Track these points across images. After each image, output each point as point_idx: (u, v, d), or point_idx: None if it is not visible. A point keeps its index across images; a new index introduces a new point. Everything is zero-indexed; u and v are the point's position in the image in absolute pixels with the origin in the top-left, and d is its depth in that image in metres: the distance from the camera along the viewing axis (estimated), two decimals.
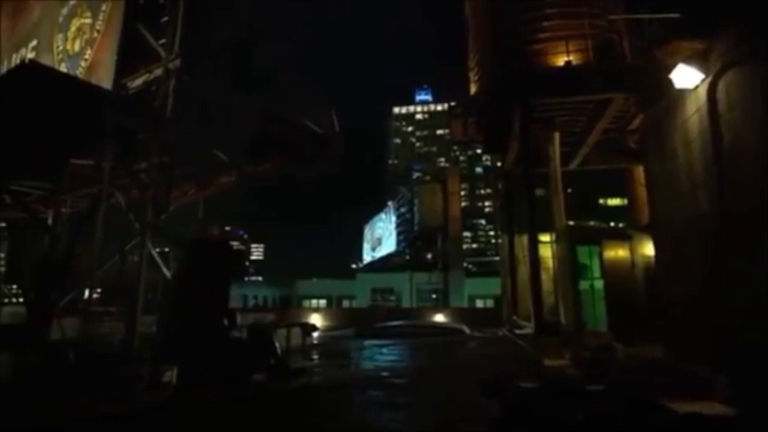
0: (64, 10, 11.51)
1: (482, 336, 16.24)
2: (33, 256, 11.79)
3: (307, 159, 10.61)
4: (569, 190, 19.18)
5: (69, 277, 9.13)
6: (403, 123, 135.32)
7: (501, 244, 19.48)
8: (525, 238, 13.48)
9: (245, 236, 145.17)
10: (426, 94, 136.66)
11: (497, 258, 27.50)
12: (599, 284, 11.82)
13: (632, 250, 11.33)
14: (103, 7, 10.41)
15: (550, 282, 13.04)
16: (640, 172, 13.68)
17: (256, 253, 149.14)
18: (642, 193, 12.74)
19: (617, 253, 11.36)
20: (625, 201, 19.39)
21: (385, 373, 9.18)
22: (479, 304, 36.74)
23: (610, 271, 11.33)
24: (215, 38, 10.27)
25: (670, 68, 6.06)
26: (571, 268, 11.73)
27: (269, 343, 8.94)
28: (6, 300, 22.28)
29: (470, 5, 15.83)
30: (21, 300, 15.21)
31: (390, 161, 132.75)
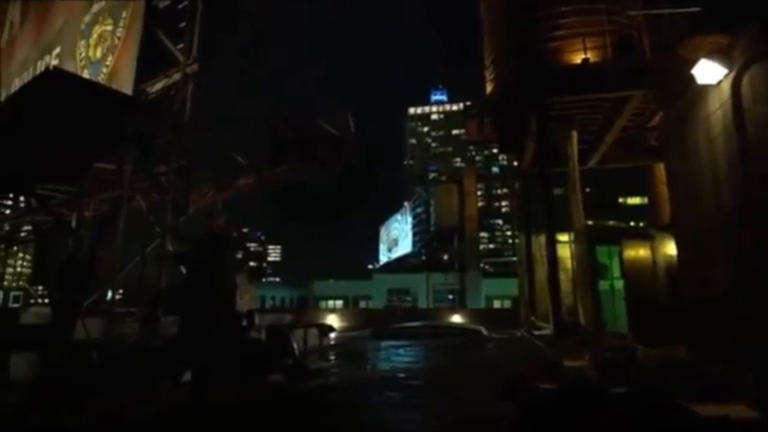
0: (87, 18, 11.80)
1: (500, 337, 16.09)
2: (57, 258, 12.09)
3: (323, 161, 10.68)
4: (587, 189, 18.90)
5: (92, 278, 9.33)
6: (419, 123, 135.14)
7: (518, 244, 19.29)
8: (543, 238, 13.33)
9: (263, 237, 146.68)
10: (441, 94, 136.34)
11: (514, 258, 27.26)
12: (619, 284, 11.63)
13: (653, 250, 11.11)
14: (124, 14, 10.64)
15: (568, 282, 12.89)
16: (660, 169, 13.42)
17: (274, 254, 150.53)
18: (663, 191, 12.50)
19: (638, 252, 11.16)
20: (646, 200, 19.05)
21: (401, 374, 9.17)
22: (496, 304, 36.45)
23: (630, 270, 11.14)
24: (232, 42, 10.41)
25: (692, 64, 5.93)
26: (590, 268, 11.56)
27: (287, 343, 9.01)
28: (32, 300, 22.93)
29: (485, 4, 15.75)
30: (47, 300, 15.63)
31: (405, 162, 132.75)
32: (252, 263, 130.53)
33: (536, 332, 13.36)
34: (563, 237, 12.93)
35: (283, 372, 8.25)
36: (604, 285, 11.89)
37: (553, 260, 11.42)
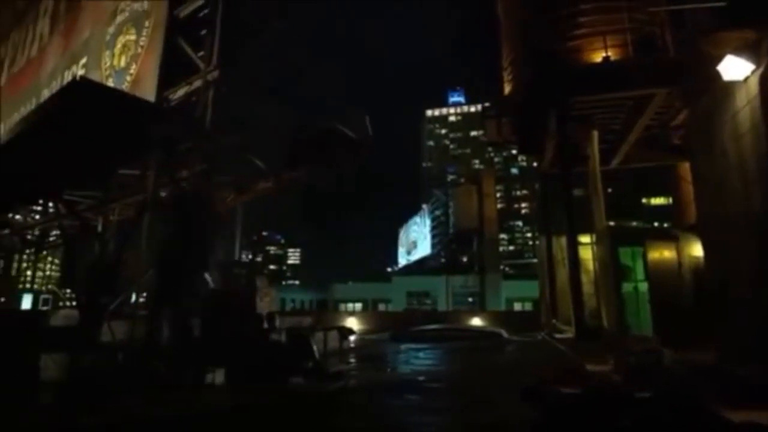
0: (111, 29, 12.13)
1: (521, 340, 15.90)
2: (84, 262, 12.43)
3: (340, 164, 10.75)
4: (609, 190, 18.58)
5: (117, 281, 9.56)
6: (437, 125, 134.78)
7: (538, 246, 19.05)
8: (564, 240, 13.14)
9: (282, 241, 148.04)
10: (459, 95, 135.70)
11: (535, 260, 26.90)
12: (643, 287, 11.37)
13: (679, 251, 10.86)
14: (147, 24, 10.90)
15: (590, 284, 12.67)
16: (685, 169, 13.13)
17: (293, 257, 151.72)
18: (688, 191, 12.21)
19: (662, 254, 10.91)
20: (670, 200, 18.63)
21: (421, 377, 9.13)
22: (517, 307, 36.03)
23: (655, 272, 10.90)
24: (252, 48, 10.58)
25: (717, 60, 5.79)
26: (613, 270, 11.35)
27: (307, 346, 9.08)
28: (61, 303, 23.57)
29: (502, 4, 15.64)
30: (74, 303, 16.06)
31: (424, 164, 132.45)
32: (272, 266, 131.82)
33: (558, 335, 13.17)
34: (585, 238, 12.72)
35: (304, 374, 8.31)
36: (627, 287, 11.64)
37: (575, 262, 11.24)
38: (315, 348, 9.18)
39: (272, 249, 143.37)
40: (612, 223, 13.57)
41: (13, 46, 18.06)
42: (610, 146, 14.08)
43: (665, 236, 11.50)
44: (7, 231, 16.78)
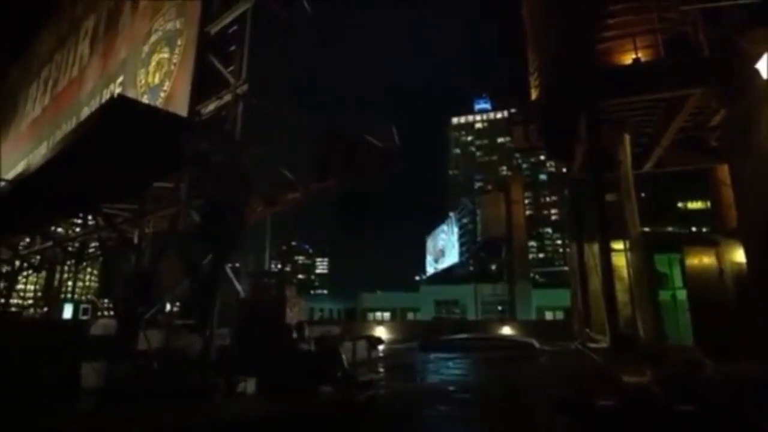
0: (146, 48, 12.62)
1: (553, 350, 15.52)
2: (121, 273, 12.86)
3: (369, 173, 10.83)
4: (643, 195, 18.02)
5: (153, 291, 9.84)
6: (463, 133, 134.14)
7: (569, 254, 18.63)
8: (596, 247, 12.80)
9: (310, 250, 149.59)
10: (485, 102, 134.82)
11: (566, 268, 26.29)
12: (682, 294, 10.97)
13: (719, 257, 10.43)
14: (179, 42, 11.29)
15: (625, 293, 12.27)
16: (724, 171, 12.65)
17: (321, 266, 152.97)
18: (728, 194, 11.74)
19: (702, 260, 10.51)
20: (708, 204, 17.95)
21: (451, 387, 9.01)
22: (548, 316, 35.24)
23: (694, 280, 10.49)
24: (279, 62, 10.82)
25: (755, 58, 5.59)
26: (648, 278, 10.98)
27: (336, 355, 9.11)
28: (99, 313, 24.41)
29: (527, 7, 15.53)
30: (112, 313, 16.60)
31: (450, 172, 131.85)
32: (300, 276, 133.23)
33: (591, 345, 12.79)
34: (618, 245, 12.36)
35: (333, 384, 8.33)
36: (664, 295, 11.25)
37: (608, 270, 10.92)
38: (344, 357, 9.20)
39: (300, 259, 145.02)
40: (647, 229, 13.14)
41: (56, 68, 19.03)
42: (643, 150, 13.70)
43: (704, 242, 11.08)
44: (50, 243, 17.53)
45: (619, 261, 12.39)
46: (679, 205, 71.87)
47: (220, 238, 9.08)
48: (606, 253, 11.07)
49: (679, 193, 68.53)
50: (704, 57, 10.37)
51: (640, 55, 11.11)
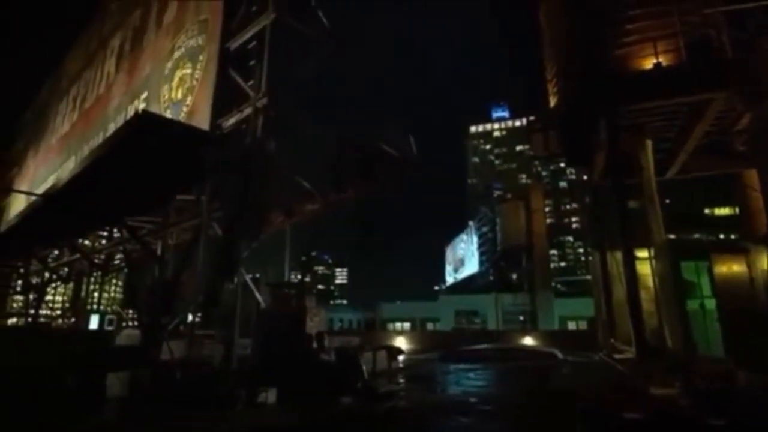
0: (169, 64, 12.98)
1: (576, 361, 15.18)
2: (145, 284, 13.12)
3: (385, 183, 10.86)
4: (667, 201, 17.62)
5: (176, 302, 10.00)
6: (481, 141, 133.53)
7: (592, 262, 18.26)
8: (619, 255, 12.53)
9: (329, 261, 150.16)
10: (503, 110, 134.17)
11: (588, 277, 25.77)
12: (711, 303, 10.64)
13: (750, 265, 10.10)
14: (201, 57, 11.59)
15: (651, 302, 11.96)
16: (752, 176, 12.31)
17: (340, 277, 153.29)
18: (756, 199, 11.41)
19: (731, 268, 10.19)
20: (737, 210, 17.43)
21: (472, 399, 8.88)
22: (571, 326, 34.53)
23: (723, 288, 10.17)
24: (298, 74, 11.00)
25: None
26: (675, 287, 10.69)
27: (356, 366, 9.08)
28: (124, 323, 24.87)
29: (545, 16, 15.46)
30: (136, 323, 16.90)
31: (469, 181, 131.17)
32: (320, 286, 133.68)
33: (617, 356, 12.47)
34: (642, 253, 12.08)
35: (354, 394, 8.30)
36: (692, 304, 10.92)
37: (633, 278, 10.67)
38: (363, 368, 9.16)
39: (320, 269, 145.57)
40: (672, 236, 12.82)
41: (84, 85, 19.71)
42: (666, 155, 13.43)
43: (733, 249, 10.75)
44: (77, 255, 18.01)
45: (644, 269, 12.10)
46: (706, 211, 69.91)
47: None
48: (630, 261, 10.83)
49: (705, 199, 66.70)
50: (728, 59, 10.15)
51: (661, 59, 10.94)
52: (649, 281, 12.28)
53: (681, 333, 10.21)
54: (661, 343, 10.81)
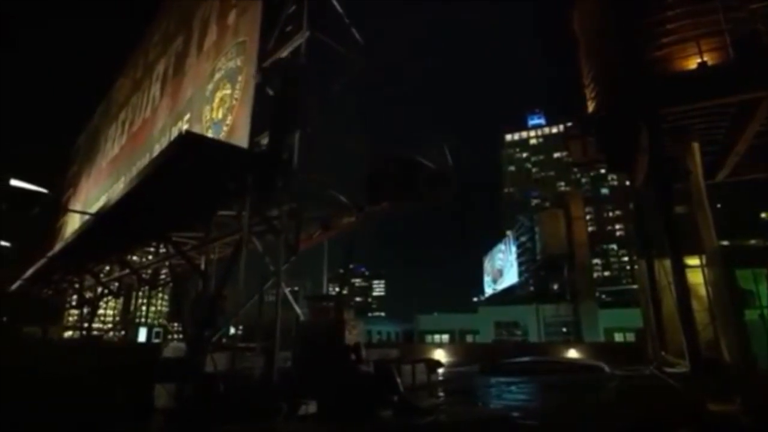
0: (210, 86, 13.53)
1: (624, 374, 14.51)
2: (189, 298, 13.55)
3: (422, 196, 10.84)
4: (718, 206, 16.75)
5: (219, 315, 10.28)
6: (517, 149, 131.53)
7: (638, 271, 17.53)
8: (667, 263, 11.98)
9: (366, 273, 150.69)
10: (539, 117, 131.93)
11: (635, 286, 24.72)
12: None
13: None
14: (239, 78, 12.02)
15: (704, 312, 11.34)
16: None
17: (378, 289, 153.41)
18: None
19: None
20: None
21: (515, 413, 8.63)
22: (617, 338, 33.16)
23: None
24: (332, 89, 11.23)
25: None
26: (731, 296, 10.12)
27: (392, 379, 9.02)
28: (170, 336, 25.73)
29: (579, 21, 15.19)
30: (181, 336, 17.46)
31: (506, 190, 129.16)
32: (357, 298, 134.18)
33: (668, 369, 11.85)
34: (693, 260, 11.50)
35: (393, 408, 8.24)
36: (751, 315, 10.28)
37: (683, 287, 10.17)
38: (399, 381, 9.08)
39: (357, 281, 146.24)
40: (725, 243, 12.16)
41: (132, 110, 20.82)
42: (715, 158, 12.83)
43: None
44: (127, 271, 18.84)
45: (695, 278, 11.51)
46: (763, 215, 65.88)
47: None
48: (680, 269, 10.35)
49: (762, 202, 62.91)
50: None
51: (706, 58, 10.52)
52: (702, 290, 11.66)
53: (739, 345, 9.63)
54: (717, 356, 10.22)
